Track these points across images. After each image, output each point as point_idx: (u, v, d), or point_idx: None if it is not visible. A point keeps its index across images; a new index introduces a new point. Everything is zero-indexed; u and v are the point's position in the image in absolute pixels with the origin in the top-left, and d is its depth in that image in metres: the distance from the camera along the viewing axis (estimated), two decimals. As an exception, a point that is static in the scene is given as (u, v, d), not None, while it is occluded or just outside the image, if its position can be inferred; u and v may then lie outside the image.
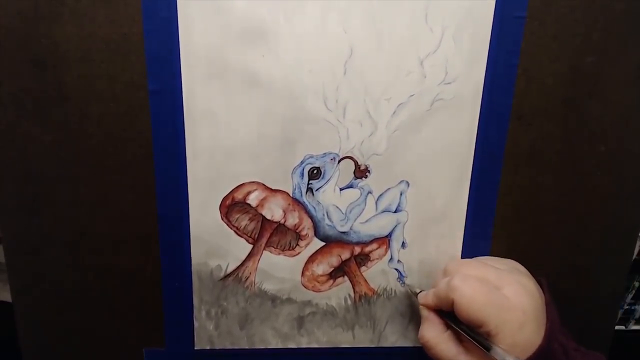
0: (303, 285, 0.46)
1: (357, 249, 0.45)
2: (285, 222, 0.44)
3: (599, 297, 0.49)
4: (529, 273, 0.41)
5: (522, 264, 0.42)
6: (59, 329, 0.47)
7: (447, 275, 0.41)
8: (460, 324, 0.38)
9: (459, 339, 0.39)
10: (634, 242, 0.47)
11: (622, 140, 0.43)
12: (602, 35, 0.40)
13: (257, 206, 0.43)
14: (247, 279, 0.45)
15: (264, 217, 0.43)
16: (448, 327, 0.40)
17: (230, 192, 0.43)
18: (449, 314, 0.39)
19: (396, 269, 0.46)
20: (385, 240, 0.45)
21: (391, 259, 0.45)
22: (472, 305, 0.36)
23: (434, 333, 0.40)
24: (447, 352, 0.38)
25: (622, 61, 0.41)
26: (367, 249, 0.45)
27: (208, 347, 0.47)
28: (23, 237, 0.44)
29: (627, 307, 0.64)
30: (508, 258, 0.43)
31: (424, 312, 0.42)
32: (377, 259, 0.45)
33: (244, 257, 0.44)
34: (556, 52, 0.40)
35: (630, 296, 0.63)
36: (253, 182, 0.42)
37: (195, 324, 0.46)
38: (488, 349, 0.35)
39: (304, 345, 0.48)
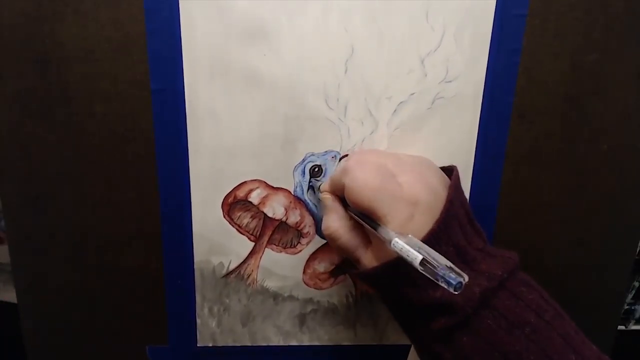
0: (305, 282, 0.46)
1: (359, 247, 0.45)
2: (286, 220, 0.44)
3: (602, 296, 0.48)
4: (439, 170, 0.38)
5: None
6: (63, 327, 0.47)
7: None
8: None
9: (362, 230, 0.37)
10: (637, 240, 0.47)
11: (625, 138, 0.43)
12: (603, 32, 0.40)
13: (258, 204, 0.43)
14: (249, 276, 0.45)
15: (265, 215, 0.44)
16: (350, 217, 0.38)
17: (232, 190, 0.43)
18: (345, 200, 0.37)
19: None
20: (386, 238, 0.45)
21: (393, 257, 0.45)
22: (362, 190, 0.34)
23: (337, 223, 0.37)
24: (352, 241, 0.37)
25: (624, 59, 0.41)
26: (369, 247, 0.45)
27: (210, 344, 0.48)
28: (27, 237, 0.44)
29: (627, 307, 0.63)
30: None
31: (328, 202, 0.39)
32: (379, 257, 0.45)
33: (246, 255, 0.45)
34: (557, 50, 0.40)
35: (630, 296, 0.63)
36: (255, 180, 0.43)
37: (198, 321, 0.47)
38: (375, 228, 0.33)
39: (305, 343, 0.48)
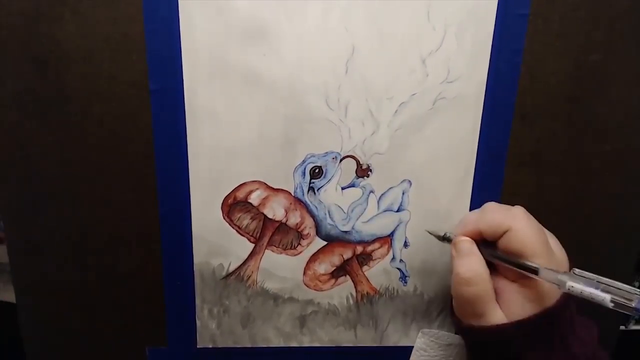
0: (305, 284, 0.46)
1: (359, 249, 0.45)
2: (287, 221, 0.44)
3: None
4: None
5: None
6: (61, 328, 0.47)
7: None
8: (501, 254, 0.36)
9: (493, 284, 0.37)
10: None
11: (628, 139, 0.43)
12: (606, 32, 0.40)
13: (258, 205, 0.43)
14: (249, 277, 0.45)
15: (265, 216, 0.43)
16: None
17: (232, 191, 0.43)
18: (489, 247, 0.37)
19: (398, 269, 0.46)
20: (387, 239, 0.45)
21: (393, 258, 0.45)
22: (530, 238, 0.35)
23: (481, 269, 0.37)
24: (488, 292, 0.36)
25: (627, 59, 0.40)
26: (369, 248, 0.45)
27: (210, 346, 0.47)
28: (26, 237, 0.44)
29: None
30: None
31: (466, 245, 0.38)
32: (379, 258, 0.45)
33: (245, 256, 0.45)
34: (560, 50, 0.40)
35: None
36: (255, 181, 0.42)
37: (198, 322, 0.47)
38: (536, 271, 0.34)
39: (306, 344, 0.48)
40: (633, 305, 0.29)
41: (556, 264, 0.35)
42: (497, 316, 0.36)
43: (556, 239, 0.38)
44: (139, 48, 0.39)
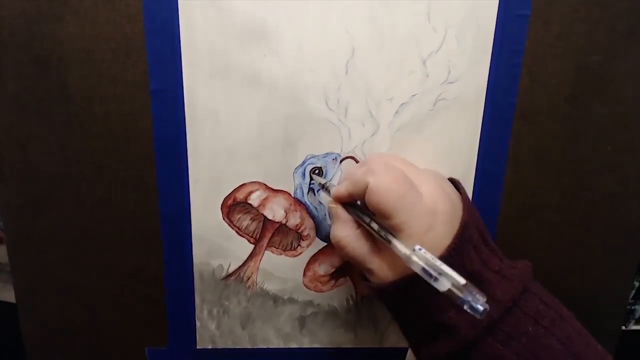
0: (305, 285, 0.46)
1: (359, 249, 0.45)
2: (286, 222, 0.44)
3: (604, 297, 0.48)
4: (448, 181, 0.38)
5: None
6: (62, 329, 0.47)
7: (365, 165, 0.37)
8: (367, 216, 0.35)
9: (372, 237, 0.36)
10: (640, 242, 0.47)
11: (628, 139, 0.43)
12: (606, 33, 0.40)
13: (258, 206, 0.43)
14: (248, 278, 0.45)
15: (265, 217, 0.43)
16: (358, 225, 0.36)
17: (232, 192, 0.43)
18: (357, 208, 0.36)
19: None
20: (387, 240, 0.44)
21: (393, 259, 0.45)
22: (385, 194, 0.32)
23: (346, 231, 0.36)
24: (360, 250, 0.35)
25: (627, 59, 0.40)
26: (369, 249, 0.45)
27: (210, 347, 0.47)
28: (26, 237, 0.44)
29: (627, 307, 0.63)
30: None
31: (338, 211, 0.37)
32: (380, 259, 0.45)
33: (245, 257, 0.44)
34: (560, 51, 0.40)
35: (630, 296, 0.62)
36: (254, 182, 0.42)
37: (197, 323, 0.46)
38: (389, 241, 0.32)
39: (306, 345, 0.48)
40: (480, 309, 0.27)
41: (418, 220, 0.32)
42: (382, 273, 0.35)
43: (438, 181, 0.35)
44: (139, 48, 0.39)
